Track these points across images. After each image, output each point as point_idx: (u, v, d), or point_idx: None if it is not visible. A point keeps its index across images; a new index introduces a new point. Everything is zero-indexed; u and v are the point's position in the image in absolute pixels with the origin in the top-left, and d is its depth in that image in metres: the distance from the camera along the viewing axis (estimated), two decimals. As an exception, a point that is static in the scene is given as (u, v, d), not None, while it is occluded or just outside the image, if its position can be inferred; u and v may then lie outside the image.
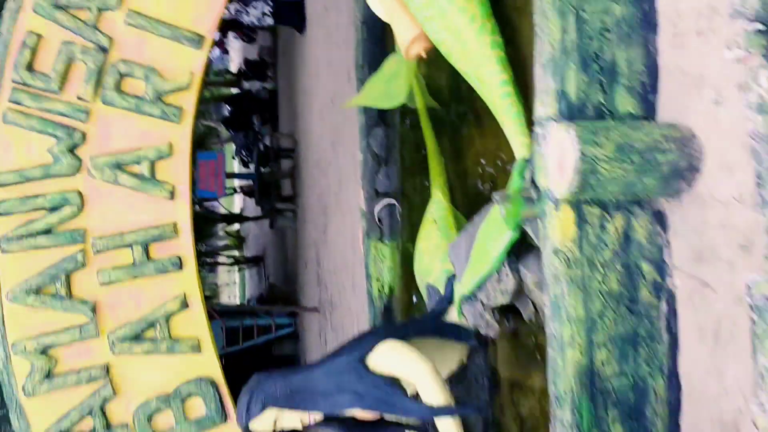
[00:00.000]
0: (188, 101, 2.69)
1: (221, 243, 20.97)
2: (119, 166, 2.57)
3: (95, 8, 2.65)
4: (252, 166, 14.00)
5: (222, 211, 17.53)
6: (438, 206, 2.86)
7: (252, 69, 14.85)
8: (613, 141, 1.54)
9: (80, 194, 2.53)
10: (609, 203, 1.63)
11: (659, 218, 1.66)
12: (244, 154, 14.57)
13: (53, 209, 2.52)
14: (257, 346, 9.70)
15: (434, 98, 3.41)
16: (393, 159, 3.94)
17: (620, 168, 1.54)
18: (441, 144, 3.16)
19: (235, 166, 19.00)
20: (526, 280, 1.94)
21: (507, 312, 2.11)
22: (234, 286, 27.60)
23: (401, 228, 3.75)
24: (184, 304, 2.53)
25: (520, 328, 2.17)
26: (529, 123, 2.03)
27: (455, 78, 2.91)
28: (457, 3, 2.27)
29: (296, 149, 11.07)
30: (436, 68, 3.37)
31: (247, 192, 15.05)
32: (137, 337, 2.47)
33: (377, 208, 3.90)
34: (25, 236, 2.49)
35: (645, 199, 1.63)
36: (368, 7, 4.08)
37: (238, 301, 21.71)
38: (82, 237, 2.52)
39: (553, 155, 1.61)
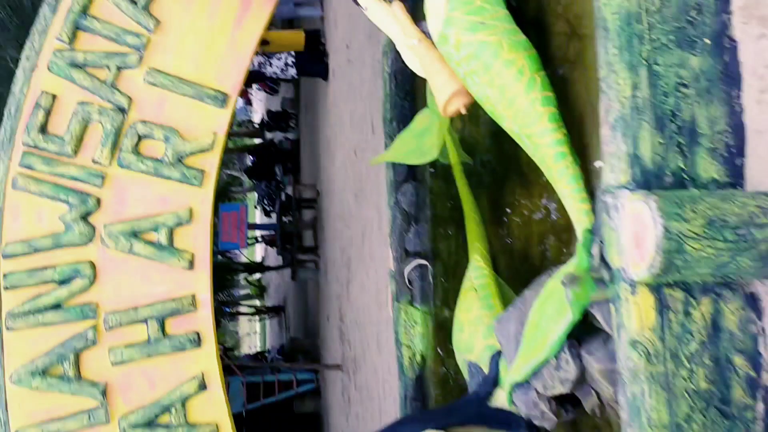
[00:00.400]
0: (211, 163, 2.52)
1: (242, 292, 20.84)
2: (135, 234, 2.40)
3: (114, 66, 2.52)
4: (274, 216, 13.97)
5: (243, 260, 17.43)
6: (478, 273, 2.63)
7: (275, 120, 14.92)
8: (702, 214, 1.32)
9: (92, 265, 2.36)
10: (694, 286, 1.40)
11: (752, 303, 1.42)
12: (266, 203, 14.56)
13: (63, 282, 2.34)
14: (278, 403, 9.43)
15: (469, 153, 3.22)
16: (424, 217, 3.73)
17: (711, 246, 1.31)
18: (479, 202, 2.96)
19: (257, 216, 18.90)
20: (590, 368, 1.70)
21: (565, 401, 1.86)
22: (255, 336, 27.34)
23: (434, 291, 3.52)
24: (203, 386, 2.32)
25: (580, 420, 1.91)
26: (587, 187, 1.84)
27: (494, 132, 2.73)
28: (502, 55, 2.09)
29: (318, 200, 10.94)
30: (472, 122, 3.18)
31: (268, 242, 14.99)
32: (151, 424, 2.26)
33: (407, 269, 3.67)
34: (32, 312, 2.31)
35: (736, 281, 1.40)
36: (397, 60, 3.94)
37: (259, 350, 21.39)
38: (93, 312, 2.34)
39: (629, 230, 1.39)
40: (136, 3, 2.55)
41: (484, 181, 3.13)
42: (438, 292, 3.47)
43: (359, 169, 7.50)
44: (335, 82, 8.91)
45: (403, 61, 3.37)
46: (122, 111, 2.52)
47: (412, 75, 3.98)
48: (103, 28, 2.52)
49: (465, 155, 3.17)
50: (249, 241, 13.57)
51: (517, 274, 2.57)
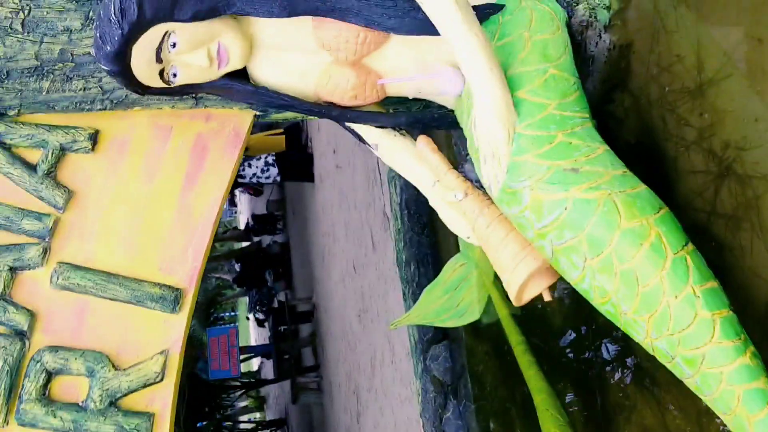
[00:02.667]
0: (163, 400, 1.64)
1: (241, 404, 19.54)
2: None
3: (5, 269, 1.66)
4: (267, 326, 13.01)
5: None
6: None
7: (261, 223, 14.15)
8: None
9: None
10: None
11: None
12: (257, 310, 13.65)
13: None
14: None
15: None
16: (465, 389, 2.83)
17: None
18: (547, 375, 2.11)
19: (250, 327, 17.86)
20: None
21: None
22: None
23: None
24: None
25: None
26: None
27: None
28: (616, 222, 1.27)
29: (315, 313, 10.00)
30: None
31: (265, 354, 13.97)
32: None
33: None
34: None
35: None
36: (408, 185, 3.12)
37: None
38: None
39: None
40: (35, 169, 1.73)
41: (553, 347, 2.27)
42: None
43: (360, 286, 6.65)
44: (324, 188, 8.14)
45: (414, 187, 2.54)
46: (20, 336, 1.65)
47: (427, 206, 3.13)
48: (-13, 211, 1.69)
49: (517, 309, 2.32)
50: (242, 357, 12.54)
51: None
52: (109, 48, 1.46)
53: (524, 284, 1.48)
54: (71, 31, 1.67)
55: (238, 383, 15.65)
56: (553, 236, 1.33)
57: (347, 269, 7.18)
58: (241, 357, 11.09)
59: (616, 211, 1.25)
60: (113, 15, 1.45)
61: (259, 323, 14.24)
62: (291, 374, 10.21)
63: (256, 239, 15.07)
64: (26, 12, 1.66)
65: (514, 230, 1.50)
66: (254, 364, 20.09)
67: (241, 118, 1.85)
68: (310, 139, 8.60)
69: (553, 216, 1.32)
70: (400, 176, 3.20)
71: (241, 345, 10.14)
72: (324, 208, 8.23)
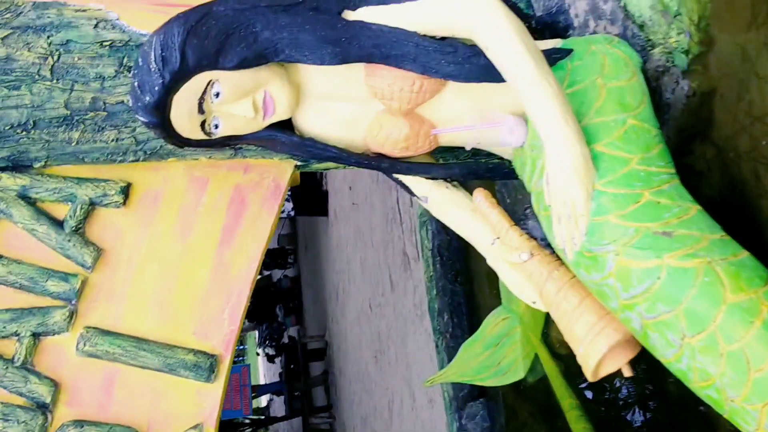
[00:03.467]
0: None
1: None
2: None
3: (28, 334, 1.53)
4: (278, 361, 12.79)
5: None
6: None
7: (272, 257, 14.02)
8: None
9: None
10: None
11: None
12: (267, 343, 13.45)
13: None
14: None
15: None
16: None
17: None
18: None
19: (260, 363, 17.66)
20: None
21: None
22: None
23: None
24: None
25: None
26: None
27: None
28: (720, 295, 1.13)
29: (328, 352, 9.81)
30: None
31: (274, 391, 13.73)
32: None
33: None
34: None
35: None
36: (441, 230, 2.99)
37: None
38: None
39: None
40: (62, 225, 1.60)
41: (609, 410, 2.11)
42: None
43: (377, 326, 6.48)
44: (339, 224, 8.02)
45: (447, 230, 2.42)
46: (43, 409, 1.51)
47: (465, 248, 3.01)
48: (11, 272, 1.56)
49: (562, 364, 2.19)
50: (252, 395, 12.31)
51: None
52: (148, 99, 1.35)
53: (603, 359, 1.34)
54: (104, 78, 1.56)
55: (247, 420, 15.37)
56: (643, 308, 1.18)
57: (363, 308, 7.02)
58: (252, 401, 10.88)
59: (720, 283, 1.11)
60: (153, 63, 1.33)
61: (269, 359, 14.03)
62: (303, 412, 9.98)
63: (266, 273, 14.95)
64: (56, 58, 1.55)
65: (589, 297, 1.36)
66: (263, 400, 19.82)
67: (281, 169, 1.73)
68: (326, 175, 8.51)
69: (644, 286, 1.18)
70: (432, 220, 3.08)
71: (252, 384, 9.93)
72: (338, 244, 8.09)
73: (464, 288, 2.88)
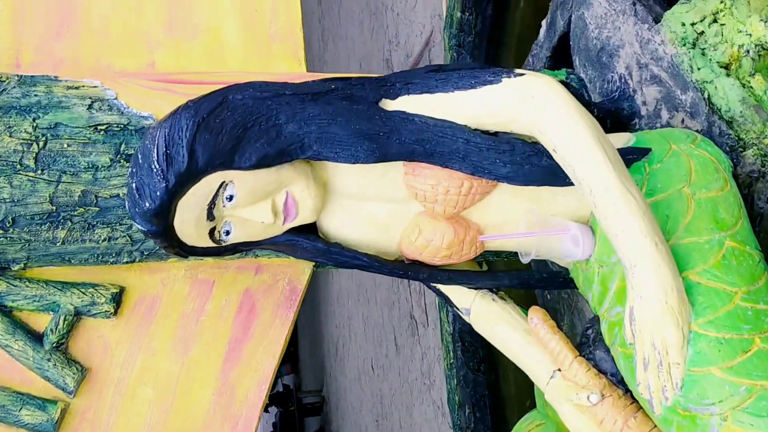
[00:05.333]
0: None
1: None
2: None
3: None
4: (271, 410, 12.38)
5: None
6: None
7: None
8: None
9: None
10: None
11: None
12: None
13: None
14: None
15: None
16: None
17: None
18: None
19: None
20: None
21: None
22: None
23: None
24: None
25: None
26: None
27: None
28: None
29: (325, 407, 9.44)
30: None
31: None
32: None
33: None
34: None
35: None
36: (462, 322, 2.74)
37: None
38: None
39: None
40: (41, 340, 1.36)
41: None
42: None
43: (380, 389, 6.18)
44: (340, 277, 7.75)
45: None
46: None
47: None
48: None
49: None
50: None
51: None
52: (148, 205, 1.12)
53: None
54: (97, 168, 1.34)
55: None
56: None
57: (364, 368, 6.72)
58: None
59: None
60: (156, 163, 1.11)
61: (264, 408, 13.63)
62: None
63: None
64: (41, 144, 1.32)
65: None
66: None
67: (298, 269, 1.50)
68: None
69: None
70: (453, 302, 2.84)
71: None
72: (339, 298, 7.81)
73: (487, 378, 2.62)
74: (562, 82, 1.45)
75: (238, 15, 1.61)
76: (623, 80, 1.48)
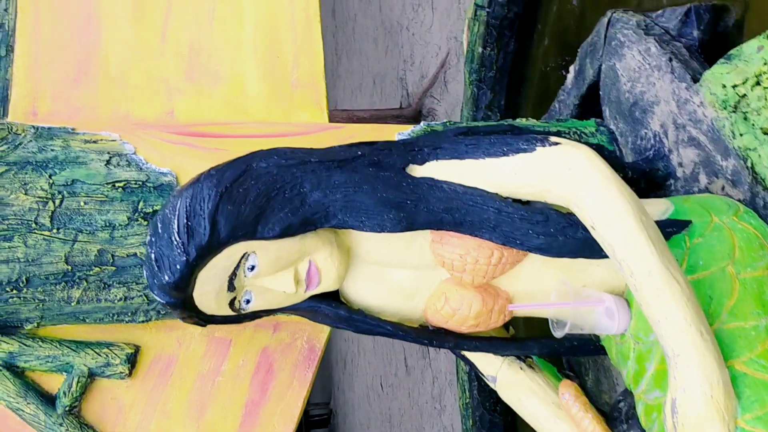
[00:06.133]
0: None
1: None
2: None
3: None
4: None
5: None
6: None
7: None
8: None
9: None
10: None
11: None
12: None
13: None
14: None
15: None
16: None
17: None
18: None
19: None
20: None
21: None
22: None
23: None
24: None
25: None
26: None
27: None
28: None
29: (332, 420, 9.39)
30: None
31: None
32: None
33: None
34: None
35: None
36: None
37: None
38: None
39: None
40: (54, 403, 1.31)
41: None
42: None
43: (389, 407, 6.12)
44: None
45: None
46: None
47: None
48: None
49: None
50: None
51: None
52: (167, 278, 1.07)
53: None
54: (114, 226, 1.29)
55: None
56: None
57: (373, 385, 6.66)
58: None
59: None
60: (177, 235, 1.06)
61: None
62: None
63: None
64: (57, 202, 1.28)
65: None
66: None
67: (317, 327, 1.45)
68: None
69: None
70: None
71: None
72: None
73: (504, 419, 2.56)
74: (595, 145, 1.40)
75: (259, 61, 1.56)
76: (658, 138, 1.43)
